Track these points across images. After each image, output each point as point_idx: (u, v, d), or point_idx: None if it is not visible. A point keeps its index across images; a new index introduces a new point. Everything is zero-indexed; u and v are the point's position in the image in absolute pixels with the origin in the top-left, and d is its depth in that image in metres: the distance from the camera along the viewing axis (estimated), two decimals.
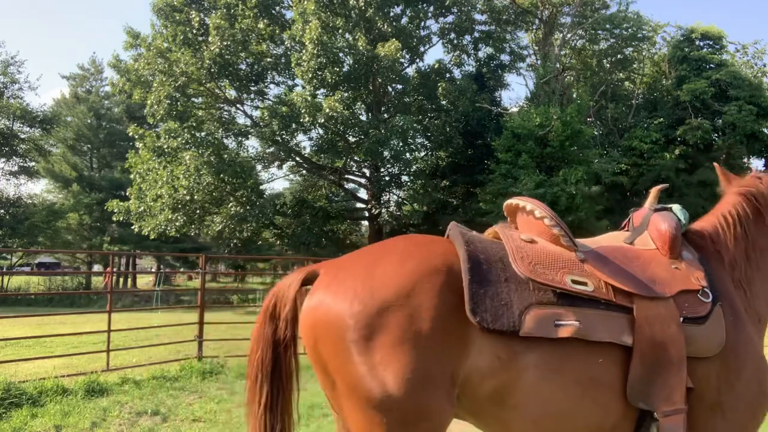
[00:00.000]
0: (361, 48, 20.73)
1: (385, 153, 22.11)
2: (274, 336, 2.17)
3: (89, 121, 40.74)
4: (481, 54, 27.30)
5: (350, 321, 1.94)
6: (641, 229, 2.50)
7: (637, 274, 2.21)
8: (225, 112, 24.59)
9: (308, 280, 2.20)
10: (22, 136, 32.17)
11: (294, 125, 21.11)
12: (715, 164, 2.99)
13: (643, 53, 27.15)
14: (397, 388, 1.88)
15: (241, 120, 24.71)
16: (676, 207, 2.57)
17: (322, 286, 2.11)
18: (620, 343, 2.07)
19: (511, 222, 2.60)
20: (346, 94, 20.84)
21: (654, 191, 2.74)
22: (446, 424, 1.99)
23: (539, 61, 25.13)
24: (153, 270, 39.43)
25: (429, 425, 1.93)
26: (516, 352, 1.99)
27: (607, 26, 24.70)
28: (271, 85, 24.91)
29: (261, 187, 23.86)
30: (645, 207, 2.65)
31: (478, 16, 26.01)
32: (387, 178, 24.63)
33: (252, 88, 23.62)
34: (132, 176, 23.17)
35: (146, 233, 22.23)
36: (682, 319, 2.14)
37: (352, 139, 22.63)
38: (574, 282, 2.10)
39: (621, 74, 27.63)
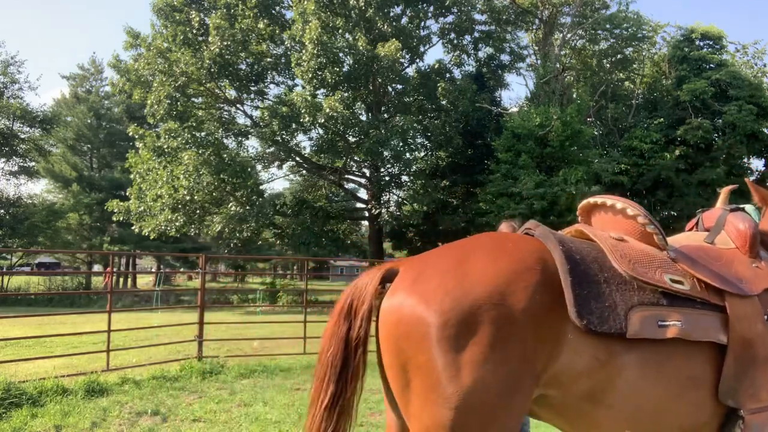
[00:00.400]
0: (361, 48, 20.72)
1: (385, 153, 22.10)
2: (348, 334, 2.12)
3: (89, 121, 40.78)
4: (481, 54, 27.34)
5: (441, 318, 1.87)
6: (718, 229, 2.51)
7: (725, 272, 2.22)
8: (225, 112, 24.60)
9: (387, 279, 2.15)
10: (22, 136, 32.23)
11: (294, 125, 21.12)
12: (746, 180, 3.01)
13: (643, 53, 27.13)
14: (484, 388, 1.82)
15: (241, 120, 24.76)
16: (749, 207, 2.61)
17: (406, 284, 2.04)
18: (716, 342, 2.08)
19: (585, 221, 2.56)
20: (346, 94, 20.84)
21: (725, 191, 2.77)
22: (519, 426, 1.96)
23: (539, 61, 25.12)
24: (153, 270, 39.44)
25: (508, 427, 1.89)
26: (615, 352, 1.97)
27: (607, 26, 24.70)
28: (271, 85, 24.97)
29: (261, 187, 23.85)
30: (717, 207, 2.67)
31: (478, 16, 26.05)
32: (387, 178, 24.62)
33: (252, 88, 23.63)
34: (132, 176, 23.20)
35: (146, 233, 22.25)
36: (766, 317, 2.16)
37: (352, 139, 22.62)
38: (672, 281, 2.10)
39: (621, 74, 27.61)
